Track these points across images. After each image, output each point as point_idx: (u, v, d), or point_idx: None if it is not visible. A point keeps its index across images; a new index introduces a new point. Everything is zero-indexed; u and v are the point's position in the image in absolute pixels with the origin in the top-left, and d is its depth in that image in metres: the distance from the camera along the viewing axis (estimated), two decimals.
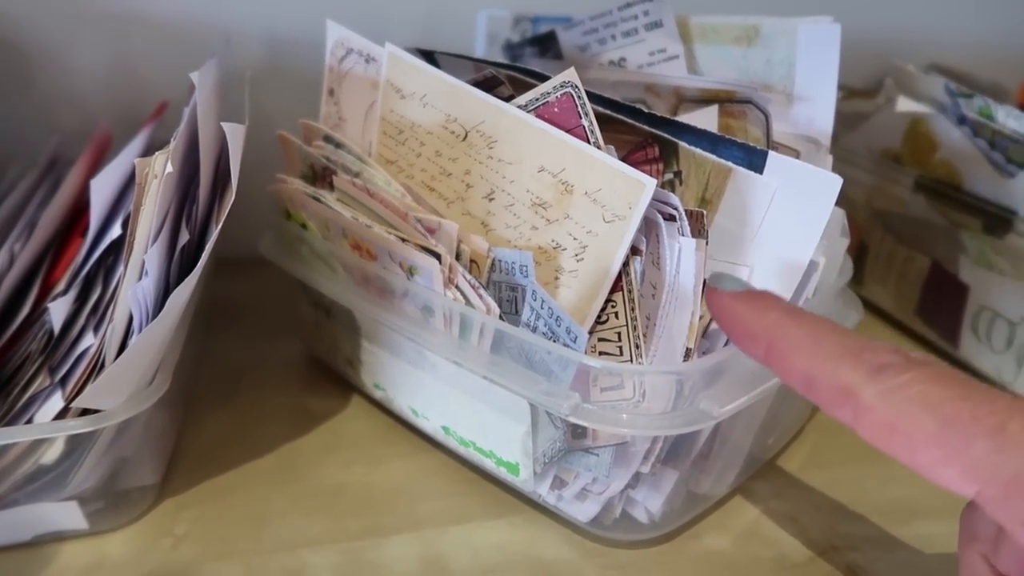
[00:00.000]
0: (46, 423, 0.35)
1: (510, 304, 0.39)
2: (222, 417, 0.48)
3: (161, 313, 0.33)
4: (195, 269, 0.34)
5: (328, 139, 0.47)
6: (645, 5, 0.50)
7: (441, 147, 0.43)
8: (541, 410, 0.37)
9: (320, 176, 0.48)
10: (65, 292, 0.40)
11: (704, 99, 0.48)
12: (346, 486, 0.43)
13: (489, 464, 0.41)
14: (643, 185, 0.35)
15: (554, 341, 0.35)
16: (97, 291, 0.40)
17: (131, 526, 0.40)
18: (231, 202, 0.34)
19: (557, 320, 0.34)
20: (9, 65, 0.63)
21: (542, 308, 0.35)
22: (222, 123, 0.34)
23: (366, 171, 0.45)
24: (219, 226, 0.35)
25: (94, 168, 0.53)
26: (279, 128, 0.49)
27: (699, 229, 0.37)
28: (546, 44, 0.58)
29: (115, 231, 0.39)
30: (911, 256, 0.57)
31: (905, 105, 0.56)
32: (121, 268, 0.38)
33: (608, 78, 0.53)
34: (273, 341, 0.57)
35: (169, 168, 0.33)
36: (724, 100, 0.46)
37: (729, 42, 0.49)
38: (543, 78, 0.42)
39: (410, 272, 0.41)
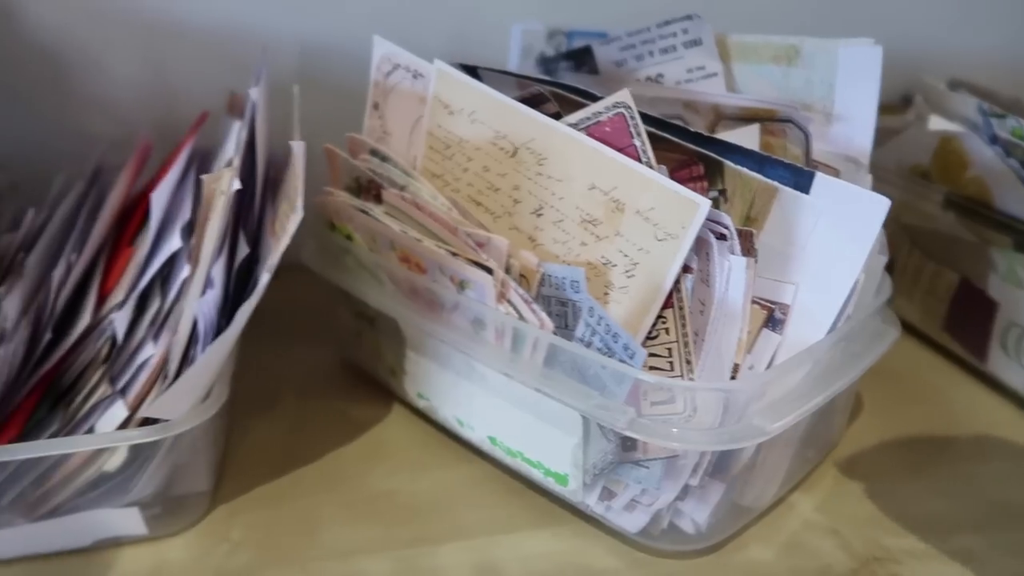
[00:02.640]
0: (119, 432, 0.36)
1: (560, 319, 0.40)
2: (264, 424, 0.49)
3: (230, 326, 0.34)
4: (260, 283, 0.35)
5: (374, 152, 0.48)
6: (684, 23, 0.51)
7: (489, 162, 0.44)
8: (592, 422, 0.38)
9: (365, 189, 0.49)
10: (123, 303, 0.40)
11: (743, 117, 0.49)
12: (393, 494, 0.43)
13: (537, 474, 0.42)
14: (697, 205, 0.36)
15: (609, 357, 0.36)
16: (155, 301, 0.40)
17: (188, 532, 0.40)
18: (299, 220, 0.34)
19: (614, 337, 0.35)
20: (48, 73, 0.63)
21: (599, 324, 0.36)
22: (291, 142, 0.35)
23: (412, 185, 0.46)
24: (285, 241, 0.35)
25: (137, 177, 0.54)
26: (312, 139, 0.49)
27: (749, 248, 0.37)
28: (581, 58, 0.59)
29: (174, 243, 0.40)
30: (939, 271, 0.58)
31: (937, 124, 0.57)
32: (180, 279, 0.39)
33: (645, 94, 0.53)
34: (309, 349, 0.57)
35: (237, 185, 0.34)
36: (764, 119, 0.47)
37: (768, 61, 0.49)
38: (591, 96, 0.43)
39: (461, 286, 0.41)
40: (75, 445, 0.35)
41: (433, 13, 0.68)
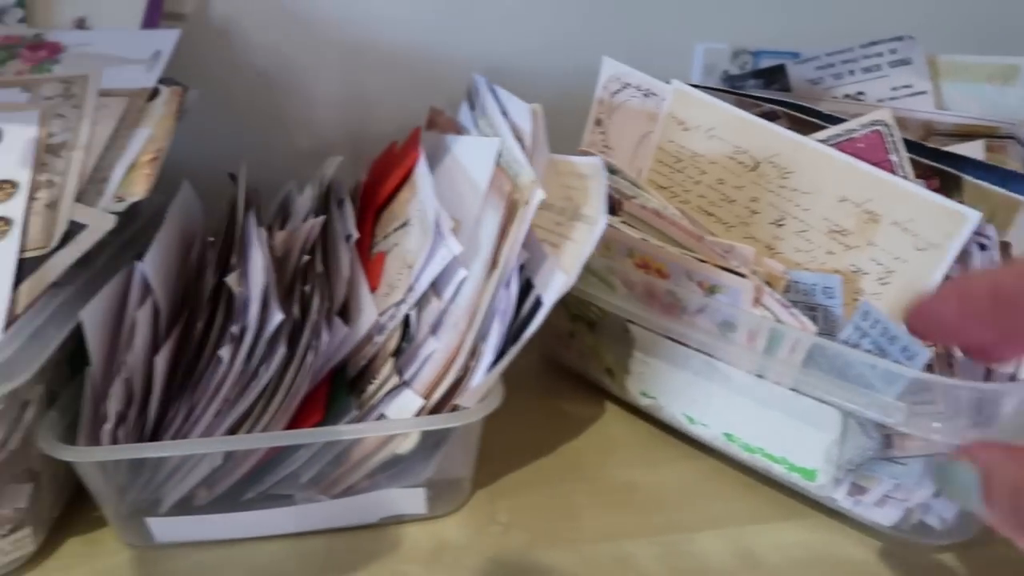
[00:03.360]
0: (434, 416, 0.40)
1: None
2: (493, 419, 0.52)
3: (530, 325, 0.38)
4: (558, 285, 0.38)
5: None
6: (893, 44, 0.53)
7: (725, 176, 0.47)
8: (851, 420, 0.40)
9: None
10: (402, 301, 0.44)
11: (957, 133, 0.51)
12: (635, 485, 0.46)
13: (779, 469, 0.44)
14: (965, 217, 0.38)
15: (882, 358, 0.38)
16: (432, 300, 0.44)
17: (457, 513, 0.44)
18: (601, 231, 0.38)
19: (891, 339, 0.38)
20: (258, 91, 0.68)
21: (873, 327, 0.38)
22: (591, 160, 0.38)
23: (640, 196, 0.49)
24: (580, 249, 0.39)
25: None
26: None
27: (1007, 257, 0.40)
28: (773, 77, 0.61)
29: (454, 247, 0.43)
30: None
31: None
32: (457, 280, 0.43)
33: (847, 111, 0.56)
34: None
35: (541, 196, 0.38)
36: (983, 135, 0.49)
37: (982, 80, 0.52)
38: (824, 116, 0.46)
39: (711, 290, 0.44)
40: (394, 428, 0.40)
41: (606, 36, 0.71)
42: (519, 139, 0.44)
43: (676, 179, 0.50)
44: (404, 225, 0.49)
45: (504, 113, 0.48)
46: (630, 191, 0.50)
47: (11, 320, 0.36)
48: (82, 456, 0.37)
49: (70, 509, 0.43)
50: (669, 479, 0.47)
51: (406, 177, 0.54)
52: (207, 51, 0.65)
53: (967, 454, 0.28)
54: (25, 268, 0.38)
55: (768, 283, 0.44)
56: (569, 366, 0.58)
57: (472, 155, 0.49)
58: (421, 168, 0.51)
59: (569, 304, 0.55)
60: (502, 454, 0.48)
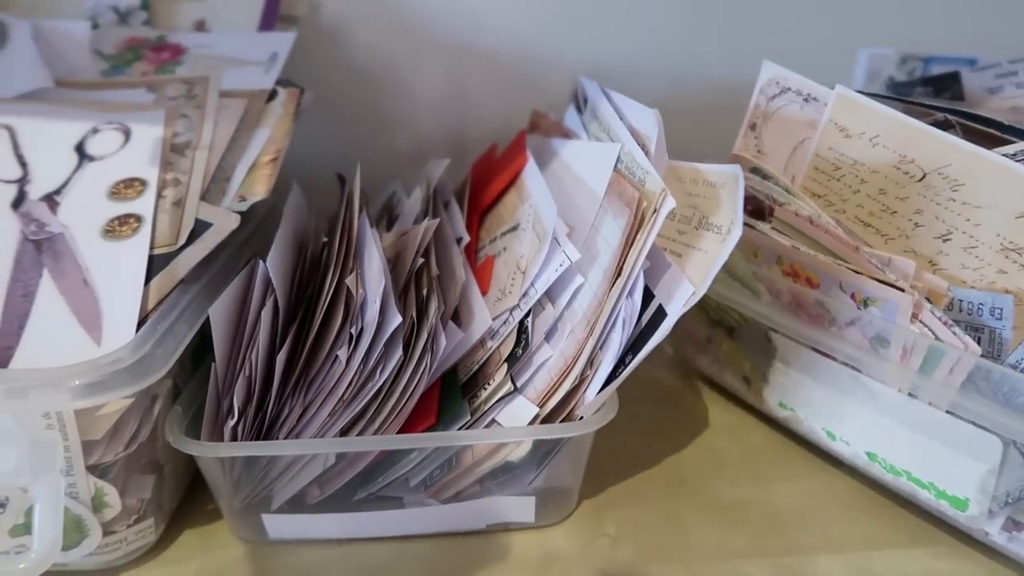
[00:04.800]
0: (558, 425, 0.39)
1: None
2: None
3: (656, 334, 0.36)
4: (683, 297, 0.36)
5: (755, 170, 0.48)
6: None
7: (887, 186, 0.43)
8: (1012, 450, 0.36)
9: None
10: (516, 306, 0.42)
11: None
12: (746, 502, 0.44)
13: (925, 495, 0.40)
14: None
15: None
16: (546, 306, 0.42)
17: (564, 523, 0.43)
18: (736, 240, 0.35)
19: None
20: (357, 89, 0.67)
21: None
22: (726, 168, 0.35)
23: (793, 203, 0.45)
24: (711, 261, 0.36)
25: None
26: None
27: None
28: (944, 84, 0.56)
29: (572, 253, 0.41)
30: None
31: None
32: (573, 287, 0.41)
33: None
34: None
35: (672, 204, 0.35)
36: None
37: None
38: (1005, 128, 0.41)
39: (864, 303, 0.40)
40: (507, 436, 0.39)
41: (769, 36, 0.66)
42: (641, 144, 0.41)
43: (833, 188, 0.45)
44: (514, 229, 0.47)
45: (621, 117, 0.45)
46: (783, 197, 0.46)
47: (144, 317, 0.37)
48: (208, 451, 0.37)
49: (186, 502, 0.44)
50: (788, 496, 0.44)
51: (512, 180, 0.52)
52: (312, 52, 0.64)
53: None
54: (155, 265, 0.39)
55: (928, 299, 0.39)
56: (703, 371, 0.55)
57: (588, 160, 0.46)
58: (532, 172, 0.50)
59: (708, 309, 0.52)
60: (611, 465, 0.47)
